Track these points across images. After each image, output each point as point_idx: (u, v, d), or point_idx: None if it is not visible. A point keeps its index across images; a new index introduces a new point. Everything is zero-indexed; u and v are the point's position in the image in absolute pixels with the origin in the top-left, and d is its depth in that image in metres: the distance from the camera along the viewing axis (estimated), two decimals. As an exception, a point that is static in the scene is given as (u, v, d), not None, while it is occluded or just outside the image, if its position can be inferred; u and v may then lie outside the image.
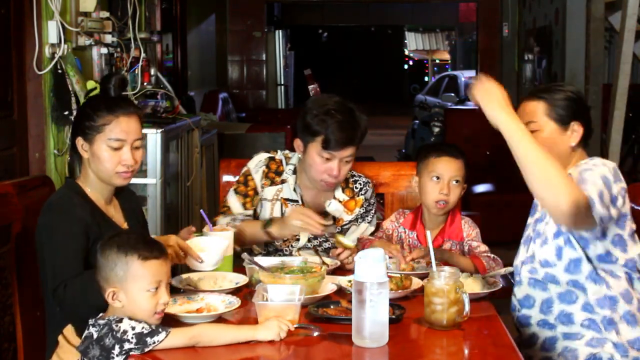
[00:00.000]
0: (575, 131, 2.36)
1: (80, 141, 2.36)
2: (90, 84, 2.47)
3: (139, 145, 2.40)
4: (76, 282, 2.15)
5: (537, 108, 2.36)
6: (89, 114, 2.34)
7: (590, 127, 2.41)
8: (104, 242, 2.01)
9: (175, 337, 1.90)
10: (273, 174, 2.88)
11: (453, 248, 2.74)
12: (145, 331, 1.89)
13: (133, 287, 1.96)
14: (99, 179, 2.38)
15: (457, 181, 2.72)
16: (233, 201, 2.85)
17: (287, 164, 2.89)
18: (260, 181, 2.87)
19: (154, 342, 1.88)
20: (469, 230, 2.76)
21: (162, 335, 1.89)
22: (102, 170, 2.35)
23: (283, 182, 2.86)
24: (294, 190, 2.85)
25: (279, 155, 2.92)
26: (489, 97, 2.13)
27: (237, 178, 2.92)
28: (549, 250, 2.33)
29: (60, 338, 2.21)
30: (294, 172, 2.87)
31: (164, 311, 2.00)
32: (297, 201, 2.84)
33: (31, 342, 2.38)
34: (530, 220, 2.49)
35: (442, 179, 2.72)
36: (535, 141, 2.10)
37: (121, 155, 2.34)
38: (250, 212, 2.85)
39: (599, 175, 2.20)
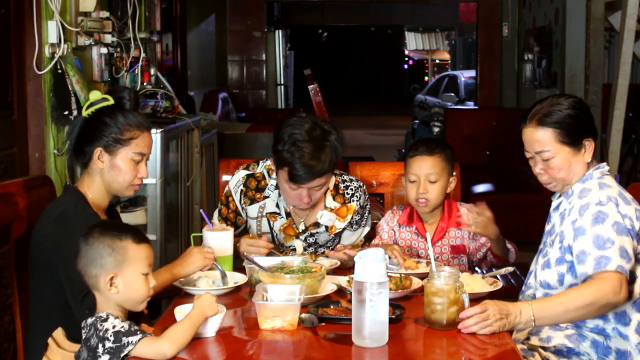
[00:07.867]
0: (588, 146, 2.34)
1: (98, 151, 2.36)
2: (96, 95, 2.42)
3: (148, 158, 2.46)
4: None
5: (548, 136, 2.31)
6: (116, 127, 2.35)
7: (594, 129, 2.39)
8: (87, 234, 2.00)
9: (145, 346, 1.86)
10: (253, 192, 2.80)
11: (459, 235, 2.79)
12: (123, 330, 1.88)
13: (130, 271, 1.97)
14: (107, 188, 2.40)
15: (433, 179, 2.71)
16: (216, 223, 2.80)
17: (270, 176, 2.80)
18: (240, 202, 2.81)
19: (129, 343, 1.85)
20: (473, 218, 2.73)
21: (137, 337, 1.87)
22: (119, 181, 2.39)
23: (266, 198, 2.79)
24: (277, 205, 2.79)
25: (259, 169, 2.83)
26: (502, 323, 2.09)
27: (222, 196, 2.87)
28: (551, 274, 2.34)
29: (50, 340, 2.19)
30: (277, 187, 2.76)
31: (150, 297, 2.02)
32: (281, 215, 2.79)
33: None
34: (545, 229, 2.50)
35: (418, 179, 2.73)
36: (564, 301, 2.14)
37: (139, 168, 2.40)
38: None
39: (611, 226, 2.19)
